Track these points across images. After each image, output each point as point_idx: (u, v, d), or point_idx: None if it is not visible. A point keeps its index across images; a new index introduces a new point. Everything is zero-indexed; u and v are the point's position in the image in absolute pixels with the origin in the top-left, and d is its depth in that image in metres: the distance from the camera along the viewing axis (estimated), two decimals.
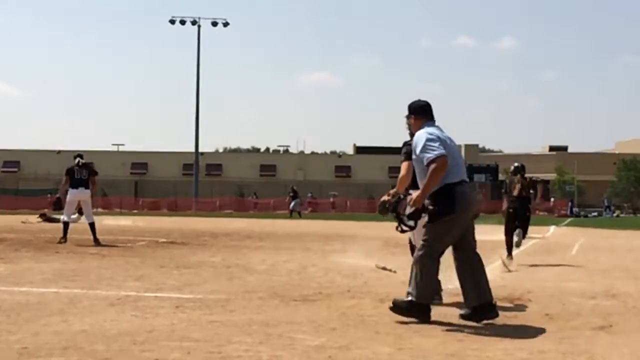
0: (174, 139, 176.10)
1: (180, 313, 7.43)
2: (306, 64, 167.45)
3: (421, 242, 7.15)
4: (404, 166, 7.90)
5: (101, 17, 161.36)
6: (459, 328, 6.78)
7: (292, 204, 47.92)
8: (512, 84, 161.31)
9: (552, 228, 30.74)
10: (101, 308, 7.68)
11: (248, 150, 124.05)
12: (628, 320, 7.40)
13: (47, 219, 30.05)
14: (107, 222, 30.42)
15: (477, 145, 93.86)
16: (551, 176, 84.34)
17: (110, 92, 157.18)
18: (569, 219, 45.06)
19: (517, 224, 14.33)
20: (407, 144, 8.16)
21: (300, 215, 45.43)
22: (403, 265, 11.42)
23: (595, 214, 63.15)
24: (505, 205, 14.65)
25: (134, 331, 6.43)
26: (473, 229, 7.26)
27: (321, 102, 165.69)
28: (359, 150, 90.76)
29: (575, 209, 62.87)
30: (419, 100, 7.59)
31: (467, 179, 7.23)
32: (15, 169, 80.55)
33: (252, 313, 7.41)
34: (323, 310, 7.76)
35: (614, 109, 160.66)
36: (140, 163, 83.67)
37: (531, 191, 14.60)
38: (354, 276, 10.85)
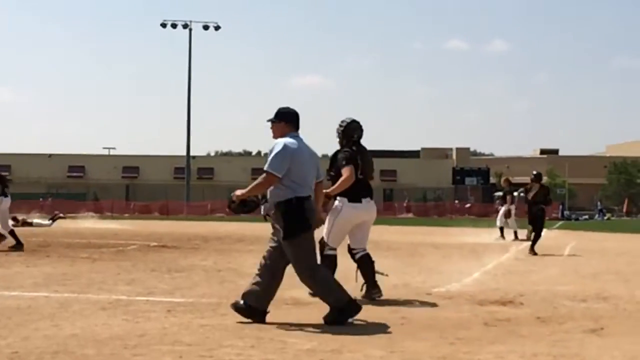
0: (166, 142, 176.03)
1: (172, 317, 7.41)
2: (298, 67, 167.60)
3: (297, 266, 7.32)
4: (345, 170, 8.62)
5: (93, 21, 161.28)
6: (451, 331, 6.78)
7: (262, 207, 47.13)
8: (504, 87, 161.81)
9: (544, 231, 30.73)
10: (92, 312, 7.66)
11: (240, 154, 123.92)
12: (619, 323, 7.41)
13: (23, 223, 29.97)
14: (99, 226, 30.38)
15: (468, 149, 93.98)
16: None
17: (102, 96, 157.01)
18: (560, 222, 45.11)
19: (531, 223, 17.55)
20: (344, 151, 8.87)
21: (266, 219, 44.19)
22: (395, 269, 11.44)
23: (587, 217, 63.29)
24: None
25: (125, 335, 6.41)
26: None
27: (313, 105, 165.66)
28: None
29: (566, 212, 62.97)
30: (290, 108, 7.51)
31: (311, 195, 7.38)
32: (6, 173, 79.99)
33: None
34: (314, 313, 7.73)
35: (605, 112, 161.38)
36: (131, 167, 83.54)
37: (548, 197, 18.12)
38: (345, 279, 10.79)
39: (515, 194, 22.71)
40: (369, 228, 9.22)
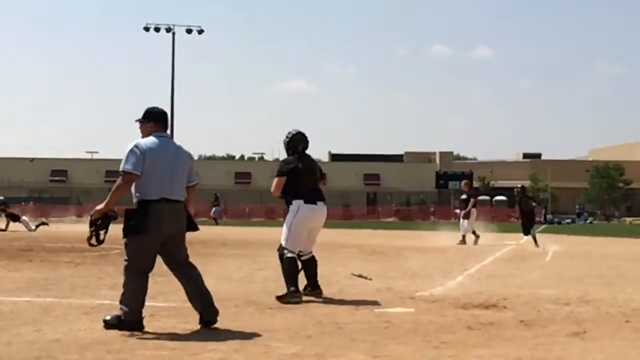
0: None
1: (155, 322, 7.38)
2: (281, 72, 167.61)
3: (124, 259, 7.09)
4: (274, 181, 9.07)
5: (75, 24, 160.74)
6: (435, 335, 6.79)
7: (213, 210, 47.07)
8: (487, 92, 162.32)
9: (526, 236, 30.83)
10: (75, 317, 7.62)
11: (223, 158, 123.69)
12: (602, 326, 7.44)
13: (12, 216, 29.85)
14: (81, 230, 30.25)
15: (451, 153, 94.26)
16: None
17: (85, 100, 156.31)
18: (543, 226, 45.28)
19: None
20: (281, 161, 9.34)
21: (216, 222, 43.81)
22: (379, 273, 11.46)
23: (569, 220, 63.60)
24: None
25: (108, 340, 6.38)
26: (180, 243, 7.34)
27: (296, 110, 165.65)
28: (334, 157, 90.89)
29: (549, 216, 63.26)
30: (157, 107, 7.37)
31: (176, 198, 7.02)
32: None
33: (227, 321, 7.38)
34: (299, 318, 7.74)
35: (587, 117, 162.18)
36: (114, 171, 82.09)
37: (533, 203, 22.29)
38: (329, 284, 10.82)
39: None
40: (317, 232, 9.49)
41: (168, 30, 65.76)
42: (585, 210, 73.13)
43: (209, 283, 10.89)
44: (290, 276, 9.00)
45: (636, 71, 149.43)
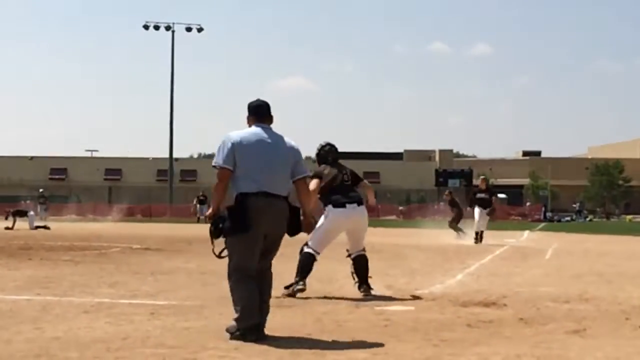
0: (148, 144, 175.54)
1: (155, 320, 7.38)
2: (280, 69, 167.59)
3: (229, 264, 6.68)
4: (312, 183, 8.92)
5: (75, 23, 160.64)
6: (435, 333, 6.79)
7: (199, 208, 45.81)
8: (486, 90, 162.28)
9: (526, 233, 30.92)
10: (75, 315, 7.62)
11: None
12: (601, 324, 7.44)
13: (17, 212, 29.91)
14: (81, 229, 30.26)
15: (451, 151, 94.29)
16: (525, 181, 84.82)
17: (84, 98, 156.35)
18: (543, 224, 45.33)
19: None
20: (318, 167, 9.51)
21: (200, 221, 42.17)
22: (378, 271, 11.44)
23: (569, 218, 63.58)
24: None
25: (108, 338, 6.38)
26: (274, 244, 6.77)
27: (295, 108, 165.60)
28: None
29: (548, 214, 63.26)
30: (255, 100, 7.01)
31: (276, 192, 6.53)
32: None
33: (228, 319, 7.36)
34: (298, 315, 7.75)
35: (587, 114, 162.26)
36: (114, 169, 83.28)
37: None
38: (329, 281, 10.84)
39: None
40: (360, 232, 9.75)
41: (167, 28, 65.77)
42: (584, 208, 73.09)
43: (210, 282, 10.94)
44: (301, 268, 9.32)
45: (636, 68, 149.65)
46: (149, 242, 20.85)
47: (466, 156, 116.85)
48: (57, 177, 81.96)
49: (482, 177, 25.13)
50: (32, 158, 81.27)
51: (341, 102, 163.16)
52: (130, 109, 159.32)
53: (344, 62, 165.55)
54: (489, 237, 22.79)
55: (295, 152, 6.84)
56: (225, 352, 5.88)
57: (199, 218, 43.94)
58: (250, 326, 6.40)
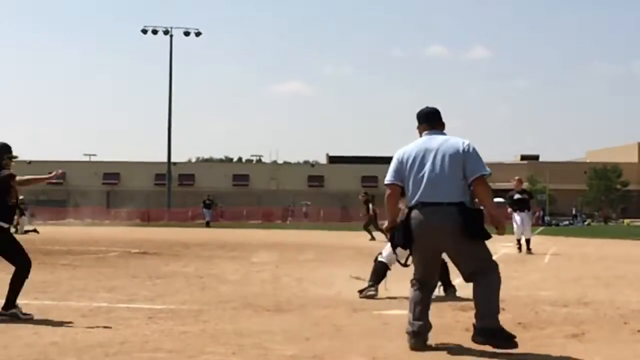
0: (146, 149, 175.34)
1: (153, 324, 7.38)
2: (278, 74, 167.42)
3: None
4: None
5: (72, 27, 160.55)
6: (433, 337, 6.78)
7: (206, 212, 46.32)
8: (484, 93, 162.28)
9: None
10: (73, 319, 7.61)
11: (221, 160, 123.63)
12: (600, 328, 7.44)
13: None
14: (79, 233, 30.25)
15: None
16: (523, 185, 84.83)
17: (83, 102, 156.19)
18: (541, 228, 45.33)
19: None
20: None
21: (208, 225, 43.62)
22: None
23: (567, 222, 63.64)
24: None
25: (106, 343, 6.37)
26: (459, 251, 6.52)
27: (294, 112, 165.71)
28: (332, 159, 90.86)
29: (547, 218, 63.29)
30: (424, 108, 6.97)
31: (437, 200, 6.31)
32: None
33: (225, 323, 7.38)
34: (296, 320, 7.74)
35: (585, 118, 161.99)
36: (112, 173, 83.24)
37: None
38: (327, 286, 10.84)
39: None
40: None
41: (166, 32, 65.96)
42: (582, 212, 73.10)
43: (209, 285, 10.95)
44: (373, 273, 9.83)
45: (634, 72, 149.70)
46: (147, 246, 20.86)
47: None
48: (55, 181, 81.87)
49: (517, 177, 22.41)
50: (30, 162, 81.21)
51: (339, 106, 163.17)
52: (128, 113, 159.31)
53: (342, 66, 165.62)
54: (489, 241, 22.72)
55: (464, 153, 6.46)
56: (223, 357, 5.88)
57: (207, 222, 44.32)
58: (408, 331, 6.45)
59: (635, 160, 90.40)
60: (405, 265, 6.89)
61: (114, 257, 16.74)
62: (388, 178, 6.69)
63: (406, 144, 6.79)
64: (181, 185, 78.28)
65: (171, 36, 65.97)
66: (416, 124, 6.90)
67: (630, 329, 7.42)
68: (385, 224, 6.77)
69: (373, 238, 25.68)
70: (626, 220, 67.64)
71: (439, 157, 6.44)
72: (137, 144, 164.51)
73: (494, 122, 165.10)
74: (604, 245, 24.78)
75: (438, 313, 8.26)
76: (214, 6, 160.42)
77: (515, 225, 19.52)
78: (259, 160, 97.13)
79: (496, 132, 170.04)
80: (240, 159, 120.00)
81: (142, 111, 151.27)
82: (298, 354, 6.01)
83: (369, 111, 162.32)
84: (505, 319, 7.89)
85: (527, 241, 19.37)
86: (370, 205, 27.35)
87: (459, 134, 6.78)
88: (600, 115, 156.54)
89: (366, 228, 27.03)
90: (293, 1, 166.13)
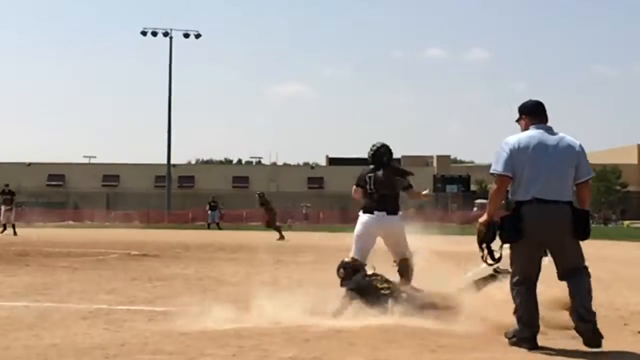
0: (146, 151, 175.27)
1: (153, 326, 7.38)
2: (278, 76, 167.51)
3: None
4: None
5: (72, 29, 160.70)
6: (432, 339, 6.79)
7: (210, 214, 46.04)
8: (483, 95, 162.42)
9: None
10: (72, 322, 7.62)
11: (220, 162, 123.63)
12: (600, 330, 7.42)
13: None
14: (79, 235, 30.23)
15: (448, 156, 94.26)
16: None
17: (82, 104, 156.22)
18: None
19: None
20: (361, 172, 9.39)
21: (219, 227, 43.49)
22: None
23: None
24: None
25: (106, 345, 6.38)
26: (562, 249, 6.64)
27: (293, 114, 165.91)
28: (332, 161, 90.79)
29: None
30: (529, 100, 6.73)
31: (553, 198, 6.27)
32: None
33: (225, 325, 7.37)
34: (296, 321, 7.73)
35: (584, 119, 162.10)
36: (111, 175, 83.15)
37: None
38: (327, 287, 10.82)
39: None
40: (391, 240, 9.79)
41: (165, 34, 66.03)
42: None
43: (208, 287, 10.94)
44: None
45: (632, 73, 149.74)
46: (147, 248, 20.84)
47: (464, 162, 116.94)
48: (54, 183, 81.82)
49: None
50: (29, 164, 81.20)
51: (339, 108, 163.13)
52: (128, 115, 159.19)
53: (342, 68, 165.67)
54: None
55: (578, 153, 6.51)
56: (223, 359, 5.88)
57: (209, 224, 44.28)
58: (524, 337, 6.34)
59: (635, 161, 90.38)
60: (497, 260, 6.76)
61: (114, 259, 16.73)
62: (499, 168, 6.37)
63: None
64: (181, 187, 78.20)
65: (171, 38, 66.05)
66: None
67: (630, 330, 7.44)
68: (482, 217, 6.55)
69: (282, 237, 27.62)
70: (626, 222, 67.62)
71: (556, 155, 6.36)
72: (136, 145, 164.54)
73: (494, 123, 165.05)
74: (603, 247, 24.77)
75: (437, 315, 8.26)
76: (213, 8, 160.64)
77: None
78: (259, 162, 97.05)
79: (495, 133, 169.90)
80: (239, 161, 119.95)
81: (141, 113, 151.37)
82: (298, 355, 6.01)
83: (369, 113, 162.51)
84: (504, 322, 7.89)
85: None
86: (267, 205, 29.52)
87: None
88: (599, 117, 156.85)
89: (276, 227, 29.12)
90: (293, 3, 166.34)
